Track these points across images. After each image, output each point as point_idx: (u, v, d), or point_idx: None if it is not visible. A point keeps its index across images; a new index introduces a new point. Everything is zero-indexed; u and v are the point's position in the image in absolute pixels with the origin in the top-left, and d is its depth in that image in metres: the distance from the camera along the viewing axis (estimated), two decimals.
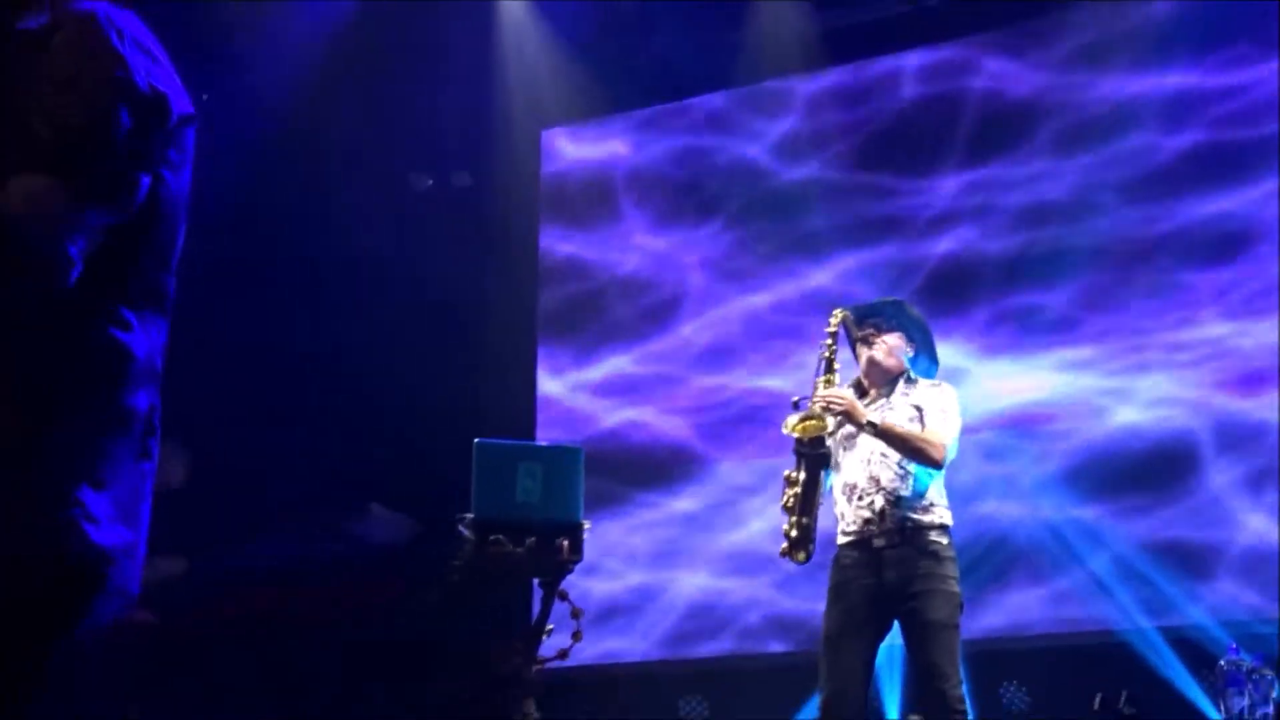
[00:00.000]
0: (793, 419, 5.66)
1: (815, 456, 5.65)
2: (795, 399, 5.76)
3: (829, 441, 5.70)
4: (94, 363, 2.52)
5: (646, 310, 9.04)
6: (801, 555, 5.63)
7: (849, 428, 5.68)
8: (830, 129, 8.76)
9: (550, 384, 9.19)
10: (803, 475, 5.67)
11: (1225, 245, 7.67)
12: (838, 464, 5.73)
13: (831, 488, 5.77)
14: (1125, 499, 7.53)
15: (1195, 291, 7.71)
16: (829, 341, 5.87)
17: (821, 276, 8.51)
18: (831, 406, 5.62)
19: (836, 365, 5.80)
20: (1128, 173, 7.98)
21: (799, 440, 5.65)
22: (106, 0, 2.64)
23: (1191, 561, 7.28)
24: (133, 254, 2.57)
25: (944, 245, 8.35)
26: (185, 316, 8.11)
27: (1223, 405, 7.48)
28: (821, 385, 5.75)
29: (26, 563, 2.45)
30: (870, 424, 5.54)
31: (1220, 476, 7.36)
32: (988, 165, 8.36)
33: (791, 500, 5.67)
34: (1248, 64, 7.84)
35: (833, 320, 5.91)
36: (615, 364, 9.02)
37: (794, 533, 5.62)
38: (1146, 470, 7.52)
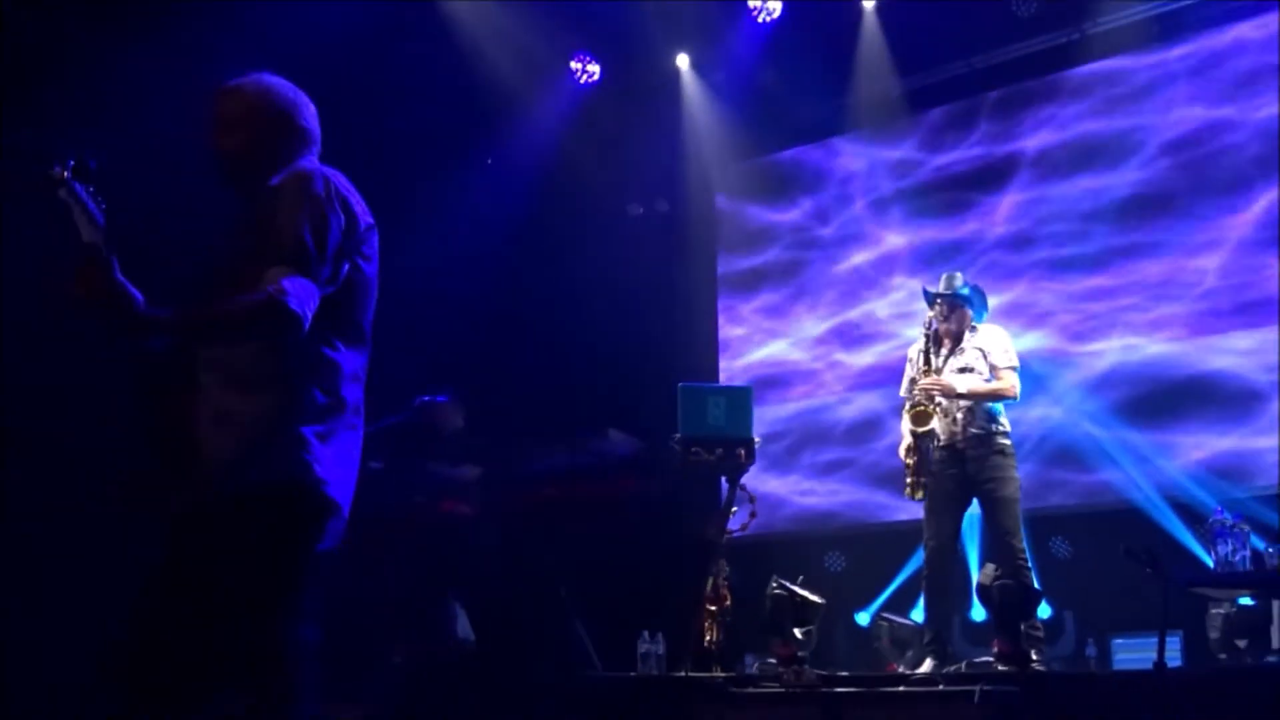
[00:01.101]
0: (907, 416, 5.91)
1: (924, 433, 5.84)
2: (905, 394, 5.97)
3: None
4: (313, 366, 2.77)
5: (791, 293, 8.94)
6: (920, 494, 5.86)
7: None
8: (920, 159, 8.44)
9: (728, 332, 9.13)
10: (919, 444, 5.85)
11: None
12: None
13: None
14: (1139, 408, 7.30)
15: None
16: (925, 339, 5.95)
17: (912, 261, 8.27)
18: (933, 394, 5.83)
19: (933, 358, 5.90)
20: None
21: (918, 428, 5.84)
22: (318, 161, 2.95)
23: (1184, 451, 7.10)
24: (338, 309, 2.79)
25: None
26: (498, 310, 8.23)
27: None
28: (920, 377, 5.89)
29: (274, 487, 2.67)
30: (960, 394, 5.78)
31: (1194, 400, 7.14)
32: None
33: (911, 461, 5.89)
34: None
35: (925, 320, 6.02)
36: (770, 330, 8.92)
37: (910, 478, 5.88)
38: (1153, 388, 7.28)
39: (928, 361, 5.92)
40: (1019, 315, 7.59)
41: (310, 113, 3.04)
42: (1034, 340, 7.55)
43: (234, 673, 2.61)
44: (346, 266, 2.82)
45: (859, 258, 8.66)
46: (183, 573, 2.66)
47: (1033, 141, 8.03)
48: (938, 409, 5.85)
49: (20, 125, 6.21)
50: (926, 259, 8.15)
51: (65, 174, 2.46)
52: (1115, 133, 7.69)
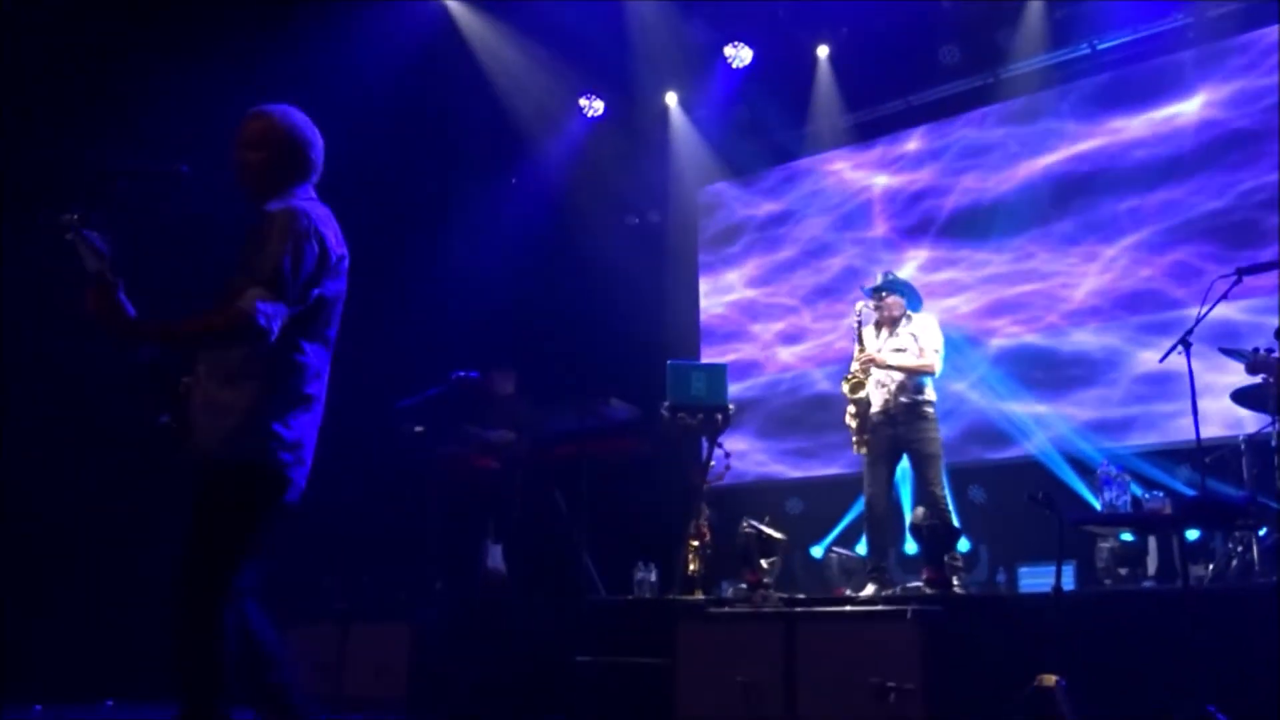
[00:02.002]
0: (844, 385, 5.89)
1: (859, 399, 5.84)
2: (845, 374, 5.91)
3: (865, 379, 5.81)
4: (286, 367, 2.82)
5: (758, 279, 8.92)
6: (864, 450, 5.82)
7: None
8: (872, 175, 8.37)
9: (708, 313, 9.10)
10: (859, 410, 5.86)
11: None
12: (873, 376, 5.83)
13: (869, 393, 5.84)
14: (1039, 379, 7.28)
15: None
16: (857, 324, 5.95)
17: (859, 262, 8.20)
18: (866, 367, 5.83)
19: (862, 338, 5.88)
20: None
21: (852, 395, 5.84)
22: (308, 200, 2.92)
23: (1075, 415, 7.07)
24: (308, 322, 2.84)
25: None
26: (521, 301, 8.31)
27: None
28: (858, 351, 5.87)
29: (244, 467, 2.75)
30: (889, 367, 5.77)
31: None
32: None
33: (854, 424, 5.88)
34: None
35: (856, 310, 5.98)
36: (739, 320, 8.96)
37: (855, 437, 5.87)
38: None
39: (861, 342, 5.91)
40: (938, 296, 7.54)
41: (319, 147, 3.04)
42: (955, 321, 7.50)
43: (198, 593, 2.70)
44: (316, 291, 2.84)
45: (814, 258, 8.62)
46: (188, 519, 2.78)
47: (952, 162, 8.04)
48: (870, 381, 5.84)
49: (108, 144, 6.20)
50: (872, 259, 8.14)
51: (74, 220, 2.58)
52: (1019, 154, 7.73)
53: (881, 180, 8.38)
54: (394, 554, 7.22)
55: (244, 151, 2.94)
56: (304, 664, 6.11)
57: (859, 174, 8.52)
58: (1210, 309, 4.41)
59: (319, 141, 3.03)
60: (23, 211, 6.26)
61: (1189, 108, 7.04)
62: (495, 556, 6.86)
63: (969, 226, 7.84)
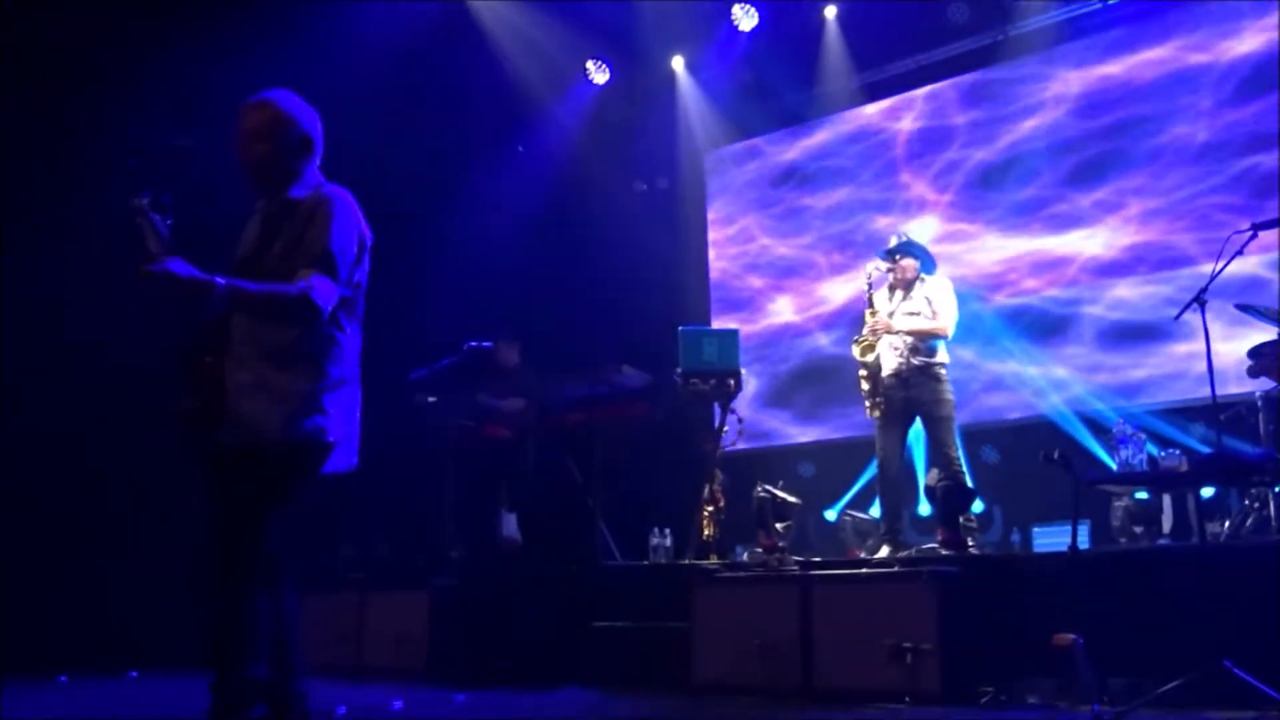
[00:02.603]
0: (855, 348, 5.88)
1: (869, 362, 5.84)
2: (856, 337, 5.88)
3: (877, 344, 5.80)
4: (330, 348, 2.90)
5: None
6: (876, 413, 5.82)
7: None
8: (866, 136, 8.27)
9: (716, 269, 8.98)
10: (871, 372, 5.85)
11: None
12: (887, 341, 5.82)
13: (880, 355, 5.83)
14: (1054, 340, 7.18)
15: None
16: (868, 286, 5.92)
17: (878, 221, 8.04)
18: (878, 331, 5.81)
19: (875, 302, 5.86)
20: None
21: (863, 358, 5.84)
22: (338, 184, 2.98)
23: (1084, 373, 7.00)
24: (348, 304, 2.93)
25: None
26: (531, 270, 8.38)
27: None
28: (869, 317, 5.85)
29: (299, 445, 2.84)
30: (900, 331, 5.76)
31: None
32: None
33: (866, 387, 5.87)
34: None
35: (867, 272, 5.96)
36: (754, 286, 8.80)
37: (868, 400, 5.86)
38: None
39: (873, 304, 5.89)
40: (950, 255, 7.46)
41: (319, 128, 3.05)
42: (967, 280, 7.39)
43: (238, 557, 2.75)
44: (358, 274, 2.94)
45: (825, 220, 8.54)
46: (223, 492, 2.82)
47: (964, 119, 7.92)
48: (882, 343, 5.83)
49: (126, 118, 6.21)
50: (883, 220, 8.05)
51: (144, 204, 2.68)
52: (1030, 111, 7.62)
53: (891, 141, 8.27)
54: (411, 524, 7.28)
55: (251, 144, 2.95)
56: (324, 633, 6.19)
57: (868, 135, 8.41)
58: (1226, 265, 4.36)
59: (319, 122, 3.05)
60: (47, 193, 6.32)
61: (1203, 58, 6.93)
62: (510, 525, 6.89)
63: (980, 185, 7.75)
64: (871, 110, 8.39)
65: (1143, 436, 5.14)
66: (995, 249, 7.63)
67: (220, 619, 2.71)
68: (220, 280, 2.66)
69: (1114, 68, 7.28)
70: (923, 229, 7.59)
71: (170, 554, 5.01)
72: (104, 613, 6.71)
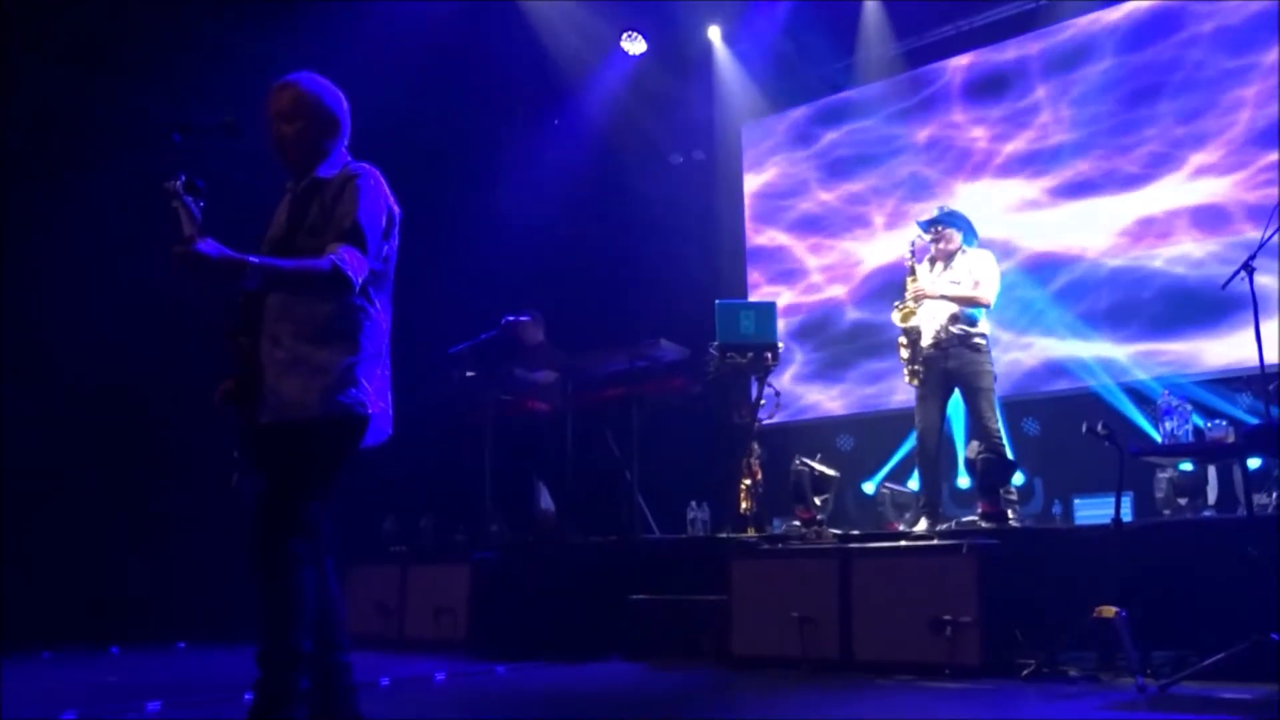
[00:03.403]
0: (896, 314, 5.83)
1: (913, 329, 5.79)
2: (896, 302, 5.84)
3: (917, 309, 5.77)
4: (364, 324, 2.90)
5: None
6: (916, 382, 5.78)
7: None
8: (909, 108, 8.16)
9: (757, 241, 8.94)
10: (910, 340, 5.79)
11: None
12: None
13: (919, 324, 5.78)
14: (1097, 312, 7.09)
15: None
16: (910, 255, 5.91)
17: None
18: (919, 297, 5.78)
19: (916, 270, 5.84)
20: None
21: (904, 324, 5.78)
22: (367, 163, 2.99)
23: (1128, 343, 6.90)
24: (379, 279, 2.95)
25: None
26: (569, 244, 8.43)
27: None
28: (910, 284, 5.82)
29: (338, 421, 2.84)
30: (940, 297, 5.72)
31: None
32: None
33: (906, 354, 5.81)
34: None
35: (910, 243, 5.96)
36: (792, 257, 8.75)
37: (908, 369, 5.81)
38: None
39: (914, 274, 5.86)
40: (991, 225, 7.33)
41: (347, 108, 3.08)
42: (1008, 250, 7.37)
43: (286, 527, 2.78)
44: (386, 248, 2.95)
45: (863, 191, 8.45)
46: (265, 468, 2.85)
47: (1009, 89, 7.80)
48: (922, 312, 5.78)
49: (160, 98, 6.26)
50: (923, 190, 7.98)
51: (178, 186, 2.68)
52: (1072, 77, 7.47)
53: (932, 110, 8.17)
54: (452, 498, 7.33)
55: (280, 124, 2.98)
56: (366, 606, 6.28)
57: (908, 104, 8.29)
58: (1275, 232, 4.27)
59: (346, 101, 3.08)
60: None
61: (1252, 6, 6.75)
62: (548, 498, 6.94)
63: (1022, 154, 7.64)
64: (911, 80, 8.28)
65: (1188, 407, 5.05)
66: (1036, 218, 7.52)
67: (265, 593, 2.74)
68: (253, 259, 2.69)
69: (1160, 32, 7.15)
70: (963, 199, 7.50)
71: (217, 529, 5.08)
72: (153, 587, 6.85)
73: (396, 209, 3.01)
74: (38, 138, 6.68)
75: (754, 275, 8.98)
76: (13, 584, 6.13)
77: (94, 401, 7.04)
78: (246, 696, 2.79)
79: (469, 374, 7.00)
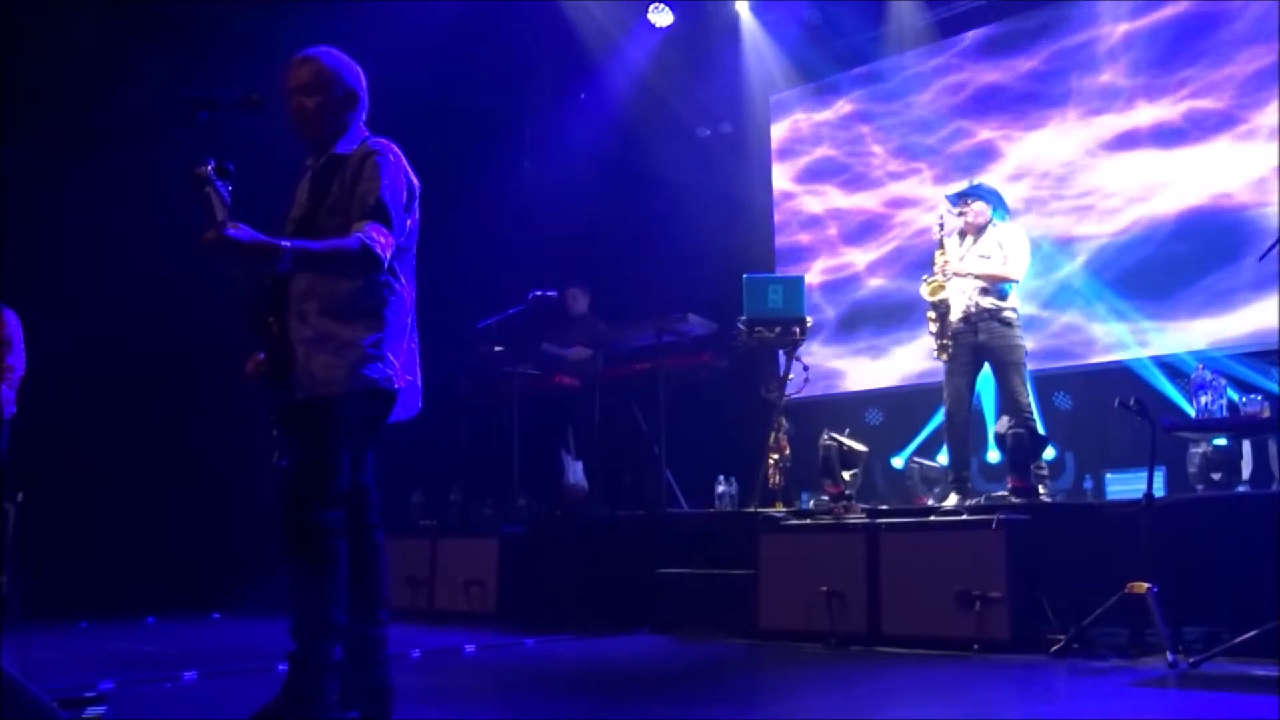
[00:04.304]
0: (924, 287, 5.78)
1: (942, 302, 5.73)
2: (925, 276, 5.80)
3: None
4: (389, 300, 2.92)
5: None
6: (945, 357, 5.74)
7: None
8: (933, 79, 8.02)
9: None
10: (939, 313, 5.73)
11: None
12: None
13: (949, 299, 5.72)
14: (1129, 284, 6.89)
15: None
16: (939, 228, 5.82)
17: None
18: (947, 272, 5.72)
19: (945, 244, 5.77)
20: None
21: (932, 298, 5.73)
22: (385, 138, 3.00)
23: (1161, 317, 6.76)
24: (402, 254, 2.96)
25: None
26: (596, 219, 8.42)
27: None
28: (939, 258, 5.76)
29: (367, 395, 2.87)
30: (971, 274, 5.66)
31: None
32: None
33: (935, 328, 5.76)
34: None
35: (939, 216, 5.87)
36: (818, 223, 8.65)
37: (937, 343, 5.75)
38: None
39: (943, 247, 5.81)
40: (1022, 198, 7.27)
41: (364, 83, 3.07)
42: (1040, 224, 7.24)
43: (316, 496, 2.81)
44: (408, 222, 2.97)
45: (893, 164, 8.34)
46: (298, 444, 2.89)
47: (1042, 57, 7.61)
48: (951, 286, 5.73)
49: (183, 80, 6.28)
50: (954, 162, 7.88)
51: (209, 172, 2.72)
52: (1108, 46, 7.30)
53: (962, 79, 7.96)
54: (479, 471, 7.38)
55: (298, 98, 2.98)
56: (397, 578, 6.35)
57: (938, 74, 8.15)
58: None
59: (363, 77, 3.07)
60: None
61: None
62: (576, 472, 6.98)
63: (1056, 127, 7.46)
64: (941, 49, 8.14)
65: (1223, 381, 5.00)
66: (1070, 190, 7.37)
67: (296, 566, 2.77)
68: (285, 243, 2.72)
69: None
70: (993, 172, 7.40)
71: (252, 501, 5.15)
72: (189, 558, 6.96)
73: (416, 182, 3.02)
74: (62, 113, 6.72)
75: (782, 248, 8.92)
76: (50, 555, 6.23)
77: (133, 376, 7.12)
78: (280, 667, 2.84)
79: (497, 348, 7.03)
